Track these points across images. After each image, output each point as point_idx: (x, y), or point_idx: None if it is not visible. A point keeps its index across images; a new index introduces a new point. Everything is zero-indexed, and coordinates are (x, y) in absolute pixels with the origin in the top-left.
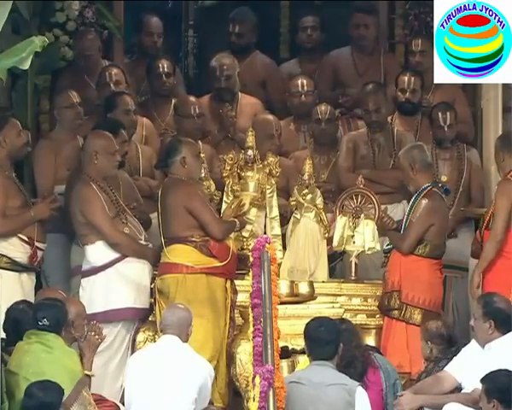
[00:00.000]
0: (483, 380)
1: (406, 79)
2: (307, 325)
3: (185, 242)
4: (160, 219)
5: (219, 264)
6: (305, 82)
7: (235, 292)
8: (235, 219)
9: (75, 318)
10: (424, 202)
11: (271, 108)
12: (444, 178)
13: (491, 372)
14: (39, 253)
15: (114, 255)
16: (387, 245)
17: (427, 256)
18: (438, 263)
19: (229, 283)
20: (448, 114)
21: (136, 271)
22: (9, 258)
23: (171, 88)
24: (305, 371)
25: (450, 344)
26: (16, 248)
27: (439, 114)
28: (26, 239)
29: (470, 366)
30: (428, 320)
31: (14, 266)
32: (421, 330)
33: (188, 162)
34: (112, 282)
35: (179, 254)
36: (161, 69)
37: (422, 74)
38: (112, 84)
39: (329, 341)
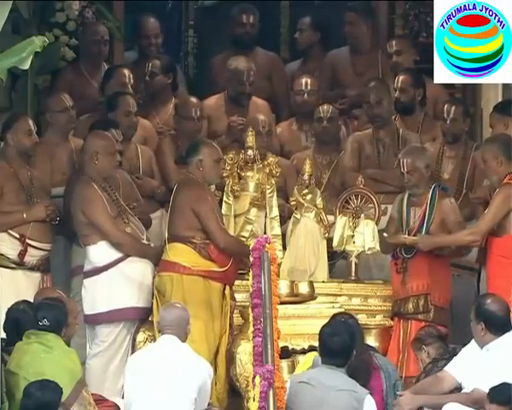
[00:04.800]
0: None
1: (396, 78)
2: (322, 329)
3: (185, 242)
4: (168, 215)
5: (218, 269)
6: (308, 81)
7: (233, 299)
8: (248, 245)
9: (69, 316)
10: (452, 200)
11: (276, 102)
12: (445, 176)
13: None
14: (34, 252)
15: (117, 255)
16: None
17: (447, 256)
18: (449, 262)
19: (228, 289)
20: (453, 108)
21: (139, 270)
22: (2, 254)
23: (159, 87)
24: (316, 373)
25: (442, 342)
26: (5, 244)
27: (445, 106)
28: (17, 236)
29: (470, 366)
30: (447, 319)
31: (8, 263)
32: (412, 344)
33: (204, 165)
34: (114, 282)
35: (178, 253)
36: (148, 69)
37: (417, 74)
38: (130, 86)
39: (342, 351)
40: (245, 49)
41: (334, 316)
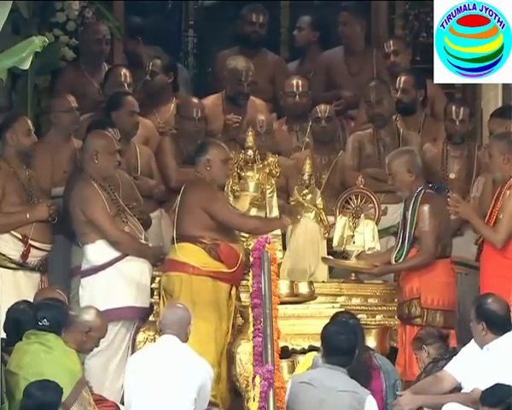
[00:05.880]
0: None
1: (398, 78)
2: (326, 328)
3: (195, 242)
4: (176, 214)
5: (227, 270)
6: (299, 82)
7: (238, 299)
8: (280, 219)
9: (94, 329)
10: (426, 208)
11: (278, 104)
12: (452, 176)
13: None
14: (36, 252)
15: (114, 254)
16: (396, 258)
17: (440, 257)
18: (449, 262)
19: (234, 289)
20: (462, 109)
21: (137, 270)
22: (3, 255)
23: (159, 86)
24: (317, 373)
25: (443, 342)
26: (7, 245)
27: (453, 107)
28: (20, 237)
29: (470, 365)
30: (449, 320)
31: (9, 264)
32: (413, 343)
33: (211, 165)
34: (112, 281)
35: (188, 253)
36: (147, 68)
37: (418, 74)
38: (126, 85)
39: (348, 350)
40: (251, 49)
41: (336, 316)
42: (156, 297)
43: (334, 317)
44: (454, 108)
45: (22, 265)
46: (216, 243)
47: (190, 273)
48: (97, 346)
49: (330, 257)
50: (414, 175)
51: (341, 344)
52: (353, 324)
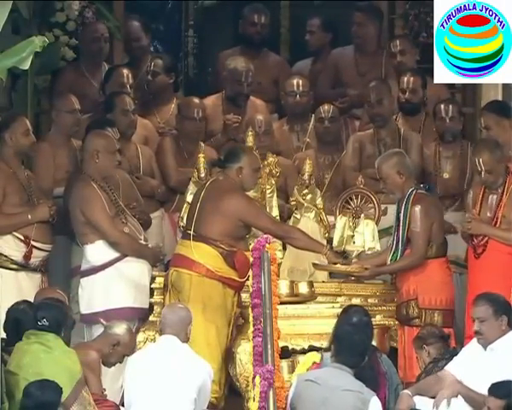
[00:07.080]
0: None
1: (406, 79)
2: (339, 326)
3: (213, 245)
4: (196, 210)
5: (237, 278)
6: (300, 82)
7: (239, 306)
8: (321, 244)
9: (122, 345)
10: (417, 209)
11: (280, 104)
12: (445, 176)
13: None
14: (37, 253)
15: (114, 255)
16: (392, 260)
17: (436, 256)
18: (445, 260)
19: (236, 296)
20: (450, 106)
21: (136, 270)
22: (5, 256)
23: (160, 86)
24: (323, 372)
25: (444, 342)
26: (10, 246)
27: (442, 106)
28: (22, 238)
29: (471, 365)
30: (447, 320)
31: (11, 265)
32: (414, 342)
33: (243, 173)
34: (111, 281)
35: (204, 254)
36: (150, 68)
37: (423, 74)
38: (128, 86)
39: (361, 352)
40: (253, 49)
41: (348, 311)
42: (156, 297)
43: (346, 311)
44: (443, 106)
45: (24, 266)
46: (233, 249)
47: (203, 275)
48: (121, 362)
49: (323, 262)
50: (404, 176)
51: (355, 346)
52: (368, 323)
